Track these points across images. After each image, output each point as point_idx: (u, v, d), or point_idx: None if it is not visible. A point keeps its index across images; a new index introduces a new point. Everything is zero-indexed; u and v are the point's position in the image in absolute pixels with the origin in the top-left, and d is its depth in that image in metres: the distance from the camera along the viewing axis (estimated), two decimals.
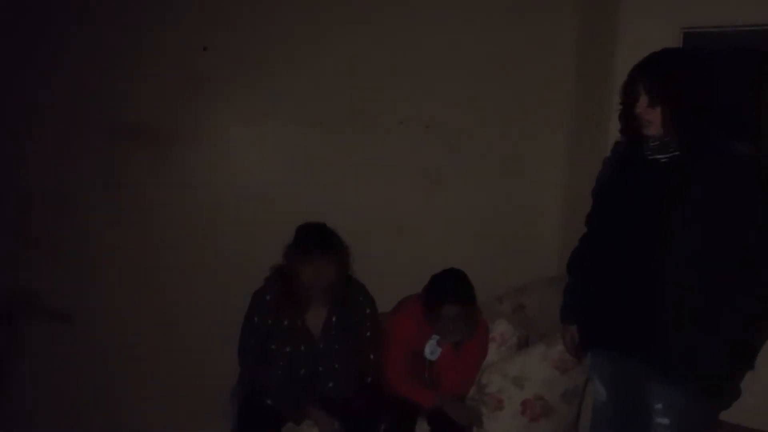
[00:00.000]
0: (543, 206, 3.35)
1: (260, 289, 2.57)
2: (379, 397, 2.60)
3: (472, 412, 2.65)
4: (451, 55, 3.20)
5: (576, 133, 3.25)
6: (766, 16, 2.54)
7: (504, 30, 3.22)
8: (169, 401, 3.19)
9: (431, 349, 2.64)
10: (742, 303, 1.81)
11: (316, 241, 2.47)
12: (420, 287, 2.64)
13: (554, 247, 3.20)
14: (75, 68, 3.00)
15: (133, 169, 3.11)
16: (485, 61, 3.23)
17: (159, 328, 3.19)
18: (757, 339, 1.90)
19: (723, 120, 1.87)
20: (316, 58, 3.12)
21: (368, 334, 2.61)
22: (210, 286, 3.15)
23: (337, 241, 2.52)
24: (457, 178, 3.31)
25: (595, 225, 2.18)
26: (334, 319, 2.56)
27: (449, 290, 2.56)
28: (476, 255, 3.05)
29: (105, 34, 3.01)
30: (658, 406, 1.95)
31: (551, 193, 3.34)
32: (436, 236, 3.28)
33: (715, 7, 2.59)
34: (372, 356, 2.61)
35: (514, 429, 2.62)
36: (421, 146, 3.25)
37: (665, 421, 1.95)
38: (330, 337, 2.55)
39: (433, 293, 2.58)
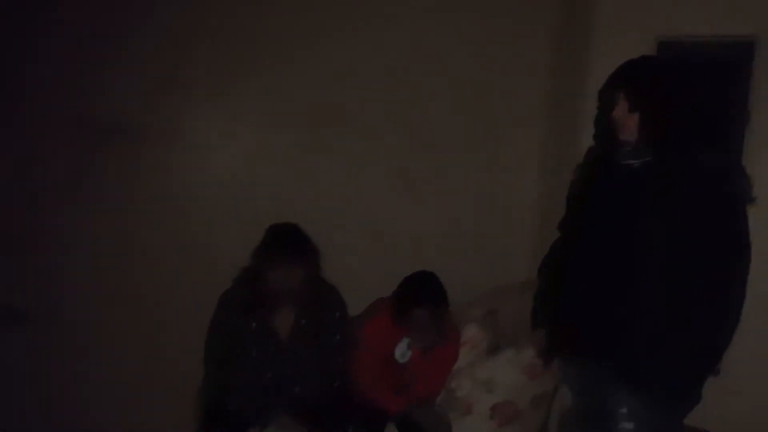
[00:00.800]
0: (516, 211, 3.38)
1: (228, 290, 2.52)
2: (348, 401, 2.57)
3: (440, 419, 2.64)
4: (429, 59, 3.21)
5: (550, 139, 3.28)
6: (737, 27, 2.59)
7: (481, 36, 3.24)
8: (136, 403, 3.12)
9: (401, 352, 2.63)
10: (703, 310, 1.83)
11: (285, 244, 2.42)
12: (392, 290, 2.62)
13: (526, 252, 3.22)
14: (49, 62, 2.93)
15: (107, 166, 3.05)
16: (462, 66, 3.24)
17: (132, 329, 3.13)
18: (718, 345, 1.92)
19: (695, 129, 1.89)
20: (294, 58, 3.10)
21: (337, 337, 2.58)
22: (185, 285, 3.09)
23: (308, 244, 2.46)
24: (431, 181, 3.31)
25: (567, 230, 2.19)
26: (303, 322, 2.52)
27: (420, 293, 2.55)
28: (448, 258, 3.02)
29: (81, 28, 2.95)
30: (623, 410, 1.96)
31: (524, 199, 3.37)
32: (408, 238, 3.27)
33: (690, 18, 2.64)
34: (341, 360, 2.58)
35: None
36: (396, 149, 3.24)
37: (630, 425, 1.96)
38: (298, 340, 2.52)
39: (404, 296, 2.57)
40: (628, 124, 1.87)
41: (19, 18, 2.88)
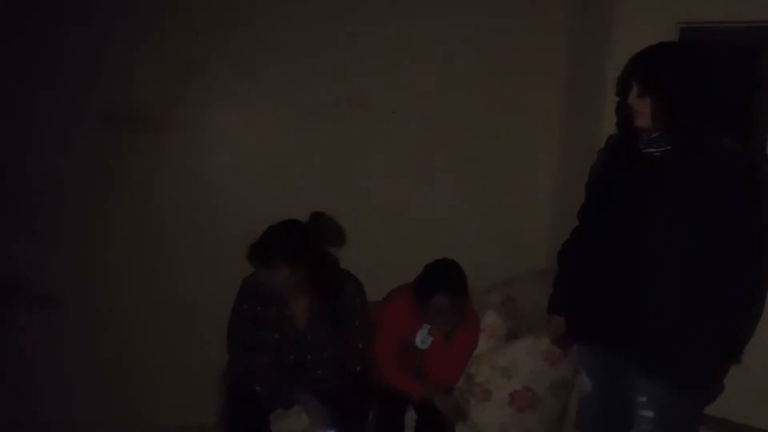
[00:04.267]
0: (534, 198, 3.37)
1: (250, 276, 2.55)
2: (368, 386, 2.60)
3: (459, 404, 2.66)
4: (446, 45, 3.19)
5: (569, 127, 3.26)
6: (761, 12, 2.54)
7: (498, 23, 3.21)
8: (161, 388, 3.18)
9: (422, 339, 2.64)
10: (724, 298, 1.82)
11: (258, 247, 2.42)
12: (412, 277, 2.64)
13: (544, 239, 3.22)
14: (73, 54, 2.96)
15: (129, 155, 3.08)
16: (479, 53, 3.23)
17: (153, 315, 3.18)
18: (741, 334, 1.91)
19: (714, 116, 1.87)
20: (313, 48, 3.10)
21: (357, 323, 2.59)
22: (205, 273, 3.14)
23: (286, 245, 2.42)
24: (449, 168, 3.31)
25: (587, 218, 2.19)
26: (321, 308, 2.54)
27: (441, 280, 2.56)
28: (467, 246, 3.01)
29: (104, 20, 2.96)
30: (643, 399, 1.97)
31: (542, 186, 3.36)
32: (427, 226, 3.28)
33: (712, 3, 2.59)
34: (361, 345, 2.60)
35: (501, 420, 2.64)
36: (414, 136, 3.24)
37: (649, 414, 1.96)
38: (318, 325, 2.54)
39: (424, 283, 2.58)
40: (641, 109, 1.84)
41: (41, 14, 2.90)
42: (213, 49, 3.06)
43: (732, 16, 2.56)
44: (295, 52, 3.10)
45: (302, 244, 2.45)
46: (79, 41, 2.96)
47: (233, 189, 3.20)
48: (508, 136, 3.32)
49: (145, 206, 3.14)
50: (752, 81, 2.58)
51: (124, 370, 3.20)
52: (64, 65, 2.96)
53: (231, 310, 2.56)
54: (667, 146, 1.87)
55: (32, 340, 3.10)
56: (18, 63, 2.93)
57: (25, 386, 3.12)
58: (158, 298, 3.17)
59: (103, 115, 3.02)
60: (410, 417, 2.62)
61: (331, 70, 3.14)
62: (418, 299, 2.58)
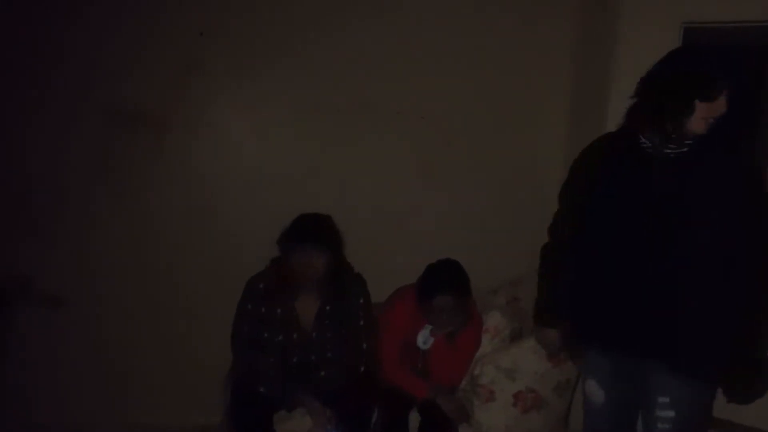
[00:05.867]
0: (539, 199, 3.33)
1: (254, 276, 2.56)
2: (372, 386, 2.60)
3: (462, 405, 2.65)
4: (451, 48, 3.18)
5: (574, 127, 3.25)
6: (765, 12, 2.54)
7: (503, 24, 3.21)
8: (163, 388, 3.17)
9: (424, 339, 2.64)
10: (734, 298, 1.83)
11: (307, 231, 2.46)
12: (416, 278, 2.64)
13: None
14: (74, 54, 2.95)
15: (132, 155, 3.07)
16: (484, 52, 3.21)
17: (155, 315, 3.17)
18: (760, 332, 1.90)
19: (728, 118, 1.86)
20: (315, 47, 3.09)
21: (361, 323, 2.60)
22: (207, 273, 3.13)
23: (331, 232, 2.50)
24: (454, 169, 3.29)
25: (593, 222, 2.14)
26: (327, 308, 2.55)
27: (443, 280, 2.56)
28: (472, 246, 3.02)
29: (104, 19, 2.95)
30: (665, 399, 1.96)
31: (548, 186, 3.33)
32: (432, 227, 3.27)
33: (717, 3, 2.59)
34: (365, 346, 2.61)
35: (505, 421, 2.63)
36: (419, 137, 3.23)
37: (670, 414, 1.95)
38: (323, 326, 2.54)
39: (426, 283, 2.59)
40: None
41: (43, 12, 2.89)
42: (213, 49, 3.04)
43: (735, 16, 2.57)
44: (296, 52, 3.09)
45: (337, 235, 2.52)
46: (79, 41, 2.95)
47: (233, 189, 3.19)
48: (514, 136, 3.31)
49: (146, 206, 3.13)
50: (756, 81, 2.57)
51: (124, 370, 3.19)
52: (64, 65, 2.96)
53: (235, 310, 2.56)
54: (682, 148, 1.85)
55: (32, 339, 3.09)
56: (18, 63, 2.92)
57: (25, 386, 3.11)
58: (158, 298, 3.17)
59: (104, 114, 3.01)
60: (414, 418, 2.61)
61: (333, 70, 3.13)
62: (420, 300, 2.58)
